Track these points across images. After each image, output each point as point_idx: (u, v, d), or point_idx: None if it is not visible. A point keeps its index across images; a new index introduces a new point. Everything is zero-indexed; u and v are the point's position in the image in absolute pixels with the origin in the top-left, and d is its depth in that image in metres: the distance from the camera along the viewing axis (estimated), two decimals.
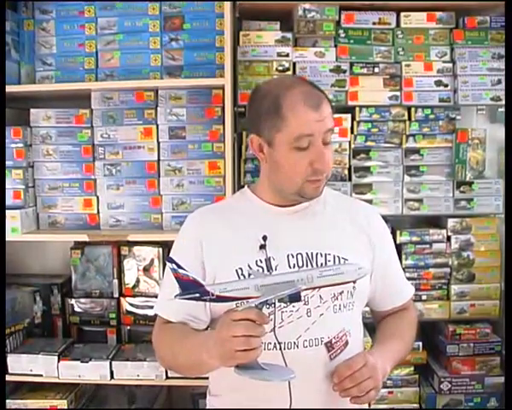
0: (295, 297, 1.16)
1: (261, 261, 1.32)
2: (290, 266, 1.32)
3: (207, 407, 1.47)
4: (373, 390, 1.24)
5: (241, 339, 1.13)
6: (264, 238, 1.32)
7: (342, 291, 1.32)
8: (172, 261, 1.19)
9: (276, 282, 1.17)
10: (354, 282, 1.20)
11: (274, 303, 1.18)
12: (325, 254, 1.33)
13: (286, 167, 1.32)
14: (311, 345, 1.29)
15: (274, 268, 1.31)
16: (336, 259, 1.33)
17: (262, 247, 1.32)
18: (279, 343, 1.27)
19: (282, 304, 1.25)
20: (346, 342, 1.33)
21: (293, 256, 1.33)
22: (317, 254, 1.33)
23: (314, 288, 1.21)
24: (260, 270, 1.30)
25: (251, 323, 1.14)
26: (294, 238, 1.35)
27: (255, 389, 1.26)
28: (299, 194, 1.35)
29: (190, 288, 1.19)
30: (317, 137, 1.28)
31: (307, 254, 1.33)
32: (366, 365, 1.24)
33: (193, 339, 1.29)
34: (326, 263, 1.32)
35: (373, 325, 1.59)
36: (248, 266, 1.31)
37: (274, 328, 1.27)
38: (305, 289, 1.18)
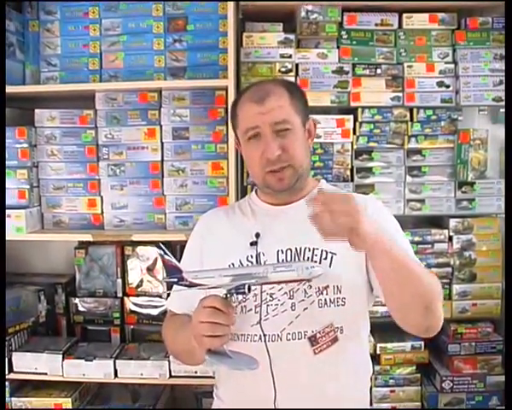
0: (242, 290, 1.22)
1: (252, 257, 1.38)
2: (279, 261, 1.36)
3: (214, 401, 1.51)
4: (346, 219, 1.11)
5: (206, 325, 1.21)
6: (257, 235, 1.39)
7: (327, 285, 1.33)
8: (160, 248, 1.31)
9: (235, 273, 1.25)
10: (309, 280, 1.22)
11: (230, 294, 1.23)
12: (313, 249, 1.36)
13: (248, 161, 1.46)
14: (294, 338, 1.31)
15: (263, 263, 1.36)
16: (323, 253, 1.35)
17: (253, 243, 1.38)
18: (264, 335, 1.31)
19: (268, 297, 1.33)
20: (335, 339, 1.32)
21: (282, 252, 1.37)
22: (305, 248, 1.36)
23: (269, 283, 1.25)
24: (250, 265, 1.37)
25: (215, 310, 1.21)
26: (286, 234, 1.39)
27: (242, 378, 1.31)
28: (266, 186, 1.43)
29: (172, 273, 1.30)
30: (263, 129, 1.37)
31: (296, 249, 1.37)
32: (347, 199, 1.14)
33: (188, 327, 1.32)
34: (313, 258, 1.35)
35: (376, 324, 1.59)
36: (240, 261, 1.38)
37: (260, 320, 1.32)
38: (261, 284, 1.24)
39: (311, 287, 1.33)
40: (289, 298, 1.33)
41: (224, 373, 1.44)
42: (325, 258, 1.35)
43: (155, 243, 2.11)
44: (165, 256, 1.31)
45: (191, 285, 1.28)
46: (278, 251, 1.37)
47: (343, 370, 1.35)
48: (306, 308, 1.33)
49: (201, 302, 1.25)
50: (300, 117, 1.42)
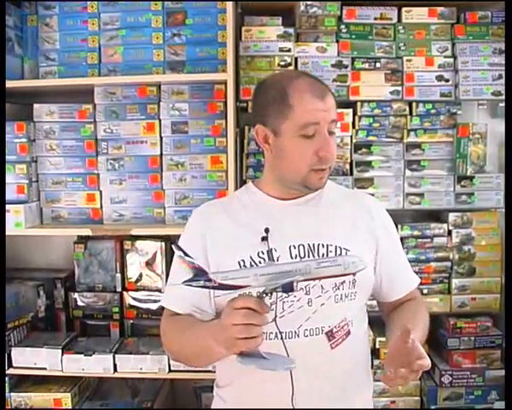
0: (288, 287, 1.16)
1: (263, 253, 1.33)
2: (292, 257, 1.33)
3: (215, 400, 1.49)
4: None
5: (241, 327, 1.15)
6: (267, 230, 1.34)
7: (344, 281, 1.33)
8: (180, 249, 1.23)
9: (274, 272, 1.18)
10: (354, 274, 1.20)
11: (271, 293, 1.19)
12: (327, 245, 1.34)
13: (291, 156, 1.34)
14: (312, 334, 1.31)
15: (276, 259, 1.32)
16: (338, 250, 1.34)
17: (264, 239, 1.33)
18: (280, 333, 1.28)
19: (284, 294, 1.26)
20: (348, 332, 1.34)
21: (294, 247, 1.34)
22: (318, 245, 1.34)
23: (312, 279, 1.21)
24: (262, 261, 1.32)
25: (250, 311, 1.16)
26: (297, 230, 1.36)
27: (258, 377, 1.28)
28: (303, 184, 1.37)
29: (196, 275, 1.21)
30: (322, 126, 1.31)
31: (309, 245, 1.34)
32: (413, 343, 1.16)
33: (201, 327, 1.30)
34: (327, 254, 1.33)
35: (375, 318, 1.60)
36: (250, 257, 1.33)
37: (275, 318, 1.28)
38: (303, 280, 1.19)
39: (336, 284, 1.32)
40: (306, 294, 1.31)
41: (231, 373, 1.38)
42: (340, 254, 1.34)
43: (154, 237, 2.14)
44: (186, 258, 1.21)
45: (221, 287, 1.20)
46: (290, 247, 1.34)
47: (356, 362, 1.38)
48: (323, 304, 1.32)
49: (231, 304, 1.19)
50: None
